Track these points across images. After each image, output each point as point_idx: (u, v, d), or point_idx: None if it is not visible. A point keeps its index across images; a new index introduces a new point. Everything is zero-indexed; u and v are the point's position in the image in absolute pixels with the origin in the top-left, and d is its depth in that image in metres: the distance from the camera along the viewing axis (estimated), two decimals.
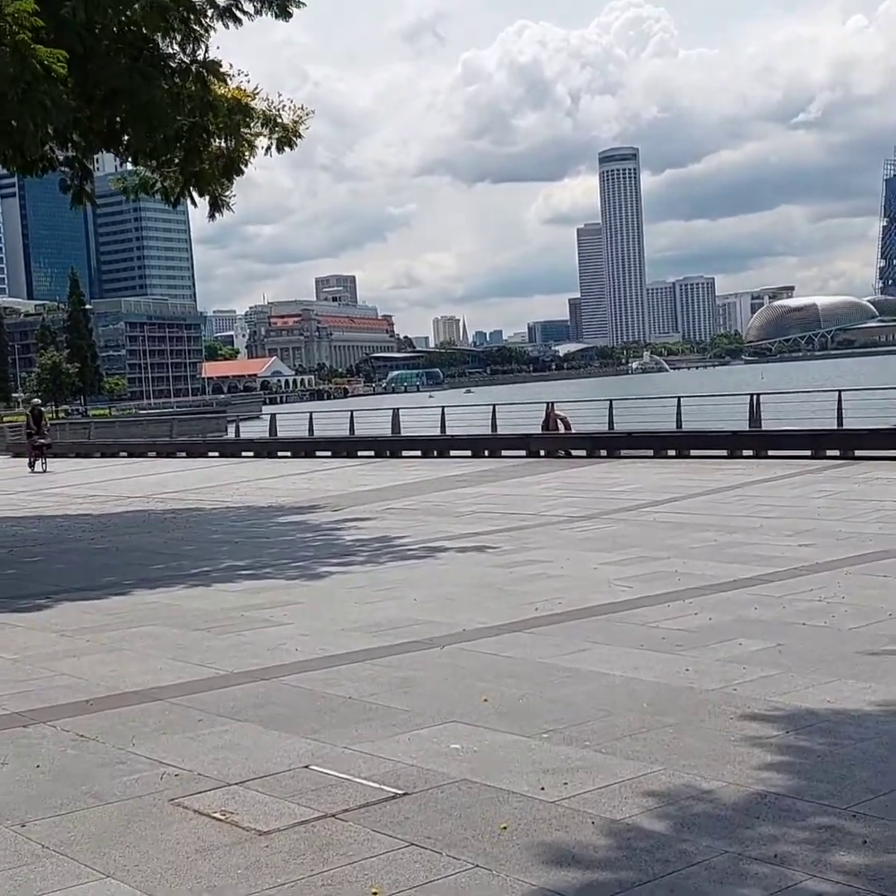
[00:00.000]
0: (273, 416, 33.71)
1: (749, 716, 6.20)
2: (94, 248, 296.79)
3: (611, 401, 24.88)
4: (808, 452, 20.51)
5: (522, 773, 5.34)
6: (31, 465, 32.84)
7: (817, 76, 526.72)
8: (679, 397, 23.82)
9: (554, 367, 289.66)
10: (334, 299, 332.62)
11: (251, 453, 31.53)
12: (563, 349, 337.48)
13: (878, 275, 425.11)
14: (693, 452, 22.60)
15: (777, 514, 14.66)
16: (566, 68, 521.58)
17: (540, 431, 25.52)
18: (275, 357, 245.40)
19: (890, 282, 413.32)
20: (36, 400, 39.93)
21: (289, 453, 30.47)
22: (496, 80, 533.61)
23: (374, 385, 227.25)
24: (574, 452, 24.29)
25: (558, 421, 25.76)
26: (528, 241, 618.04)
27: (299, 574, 12.11)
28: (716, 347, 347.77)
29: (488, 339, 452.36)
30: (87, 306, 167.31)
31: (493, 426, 26.62)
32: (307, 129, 18.68)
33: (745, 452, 21.75)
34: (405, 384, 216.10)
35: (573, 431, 25.54)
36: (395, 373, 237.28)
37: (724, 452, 22.00)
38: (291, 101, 18.53)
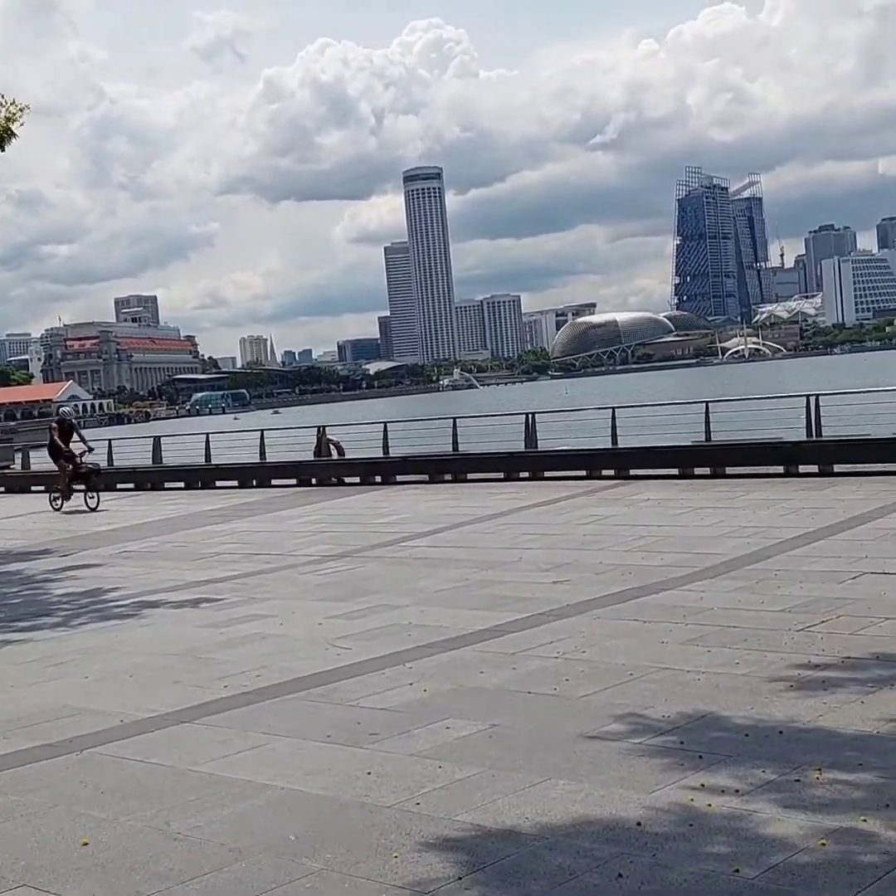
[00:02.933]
0: (25, 447, 30.91)
1: (424, 846, 4.77)
2: None
3: (385, 424, 23.49)
4: (583, 473, 19.64)
5: None
6: (59, 499, 22.90)
7: (613, 99, 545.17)
8: (454, 418, 22.60)
9: (364, 385, 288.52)
10: (134, 320, 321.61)
11: (2, 489, 28.69)
12: (373, 367, 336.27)
13: (673, 291, 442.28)
14: (470, 476, 21.44)
15: (539, 545, 13.52)
16: (369, 87, 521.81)
17: (312, 458, 23.93)
18: (71, 381, 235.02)
19: (684, 298, 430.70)
20: (66, 408, 26.61)
21: (43, 488, 27.82)
22: (299, 97, 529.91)
23: (177, 408, 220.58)
24: (347, 480, 22.81)
25: (331, 446, 24.22)
26: (335, 260, 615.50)
27: None
28: (523, 364, 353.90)
29: (297, 358, 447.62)
30: None
31: (262, 453, 24.84)
32: (22, 126, 16.65)
33: (523, 474, 20.73)
34: (210, 406, 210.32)
35: (346, 457, 24.04)
36: (200, 395, 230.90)
37: (501, 475, 20.93)
38: (2, 97, 16.49)
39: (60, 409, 25.19)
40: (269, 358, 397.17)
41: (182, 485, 25.01)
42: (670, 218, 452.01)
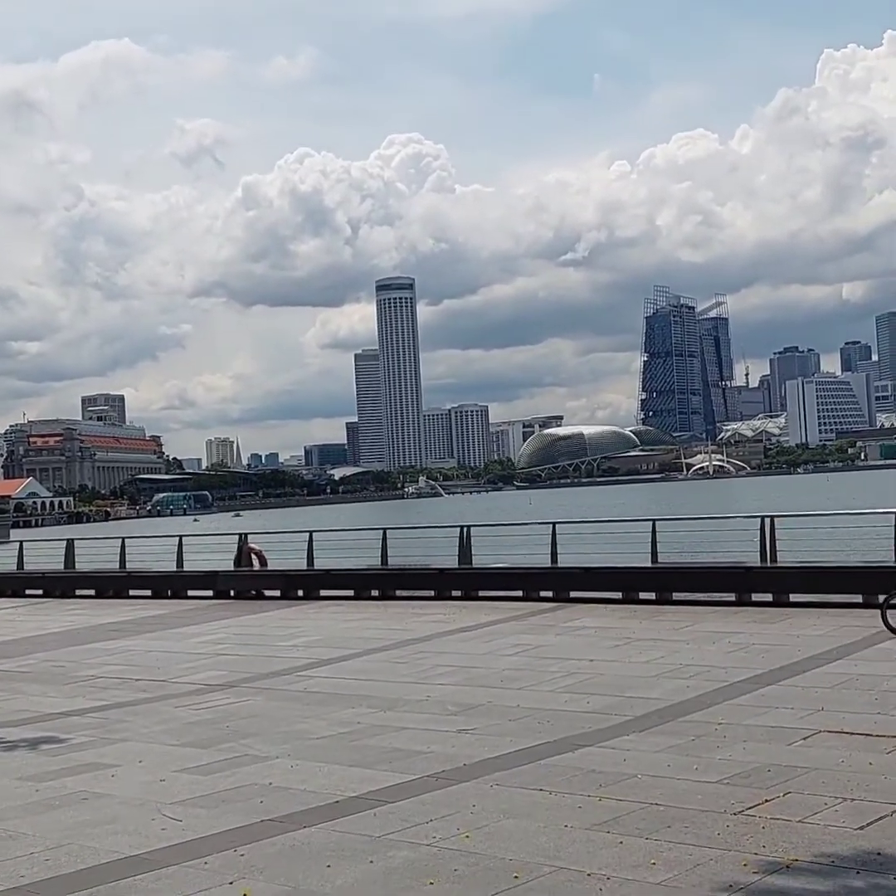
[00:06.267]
0: None
1: None
2: None
3: (311, 533, 21.74)
4: (519, 594, 17.99)
5: None
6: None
7: (584, 218, 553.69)
8: (384, 529, 20.93)
9: (329, 490, 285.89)
10: (99, 418, 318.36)
11: None
12: (338, 473, 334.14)
13: (639, 407, 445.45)
14: (399, 592, 19.73)
15: (453, 680, 11.82)
16: (346, 198, 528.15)
17: (232, 568, 22.13)
18: (31, 478, 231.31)
19: (650, 413, 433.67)
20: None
21: (40, 592, 25.49)
22: (276, 205, 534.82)
23: (138, 508, 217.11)
24: (268, 593, 21.01)
25: (252, 556, 22.46)
26: (306, 365, 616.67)
27: None
28: (489, 473, 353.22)
29: (264, 461, 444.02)
30: None
31: (180, 562, 22.98)
32: None
33: (454, 593, 19.04)
34: (171, 507, 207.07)
35: (267, 568, 22.25)
36: (161, 495, 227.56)
37: (431, 593, 19.24)
38: None
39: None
40: (235, 460, 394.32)
41: (93, 592, 23.07)
42: (638, 335, 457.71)
